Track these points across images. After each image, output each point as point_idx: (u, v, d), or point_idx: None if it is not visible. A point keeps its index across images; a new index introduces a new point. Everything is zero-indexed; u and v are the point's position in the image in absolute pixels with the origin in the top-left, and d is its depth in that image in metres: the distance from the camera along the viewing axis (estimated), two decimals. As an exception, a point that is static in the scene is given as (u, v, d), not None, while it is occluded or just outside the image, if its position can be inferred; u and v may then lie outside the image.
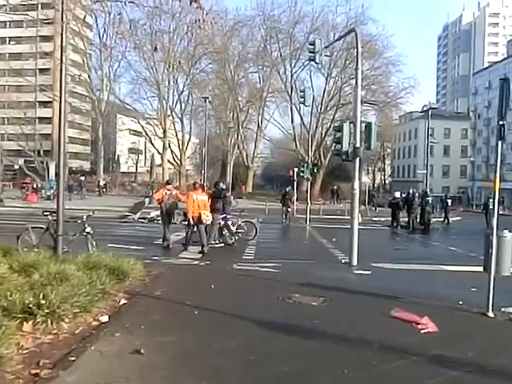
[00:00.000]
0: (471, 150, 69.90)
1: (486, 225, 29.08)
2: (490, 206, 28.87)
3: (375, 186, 73.30)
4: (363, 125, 10.99)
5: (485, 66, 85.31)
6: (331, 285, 8.39)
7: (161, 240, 13.54)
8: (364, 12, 46.60)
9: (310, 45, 16.29)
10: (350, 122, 11.03)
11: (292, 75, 48.30)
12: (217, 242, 13.76)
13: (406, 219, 23.10)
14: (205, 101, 28.72)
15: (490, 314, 6.77)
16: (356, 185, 11.10)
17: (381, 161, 78.05)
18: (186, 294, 7.14)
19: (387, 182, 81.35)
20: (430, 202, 23.60)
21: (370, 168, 77.58)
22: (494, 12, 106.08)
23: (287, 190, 26.05)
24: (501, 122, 6.84)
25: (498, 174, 6.95)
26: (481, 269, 11.80)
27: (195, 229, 12.36)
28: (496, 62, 69.37)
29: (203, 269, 9.77)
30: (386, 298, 7.50)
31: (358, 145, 10.82)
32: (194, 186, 13.22)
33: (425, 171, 58.30)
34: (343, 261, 11.90)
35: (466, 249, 15.34)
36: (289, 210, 24.37)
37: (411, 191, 25.38)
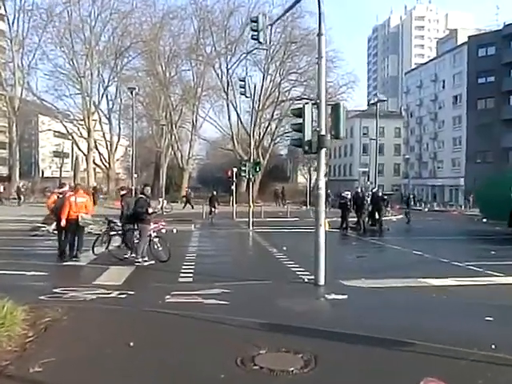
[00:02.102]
0: (404, 147, 71.04)
1: (429, 222, 28.84)
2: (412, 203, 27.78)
3: (311, 186, 72.55)
4: (329, 107, 8.65)
5: (412, 67, 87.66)
6: (305, 324, 5.97)
7: (73, 259, 11.08)
8: (300, 4, 44.99)
9: (253, 21, 13.87)
10: (314, 104, 8.66)
11: (228, 71, 45.79)
12: (146, 258, 11.00)
13: (355, 220, 21.47)
14: (131, 92, 25.38)
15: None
16: (321, 183, 8.76)
17: (317, 160, 77.43)
18: (84, 368, 4.39)
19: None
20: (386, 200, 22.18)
21: (305, 167, 76.74)
22: (420, 15, 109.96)
23: (214, 193, 27.85)
24: None
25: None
26: (469, 281, 10.16)
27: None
28: (426, 62, 71.06)
29: (121, 308, 6.89)
30: (391, 345, 5.18)
31: (323, 132, 8.47)
32: (75, 188, 12.27)
33: (366, 169, 58.23)
34: (306, 279, 9.51)
35: (432, 252, 13.71)
36: (214, 210, 26.11)
37: (360, 190, 23.82)
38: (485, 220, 27.83)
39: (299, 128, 8.68)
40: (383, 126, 68.66)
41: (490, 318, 6.55)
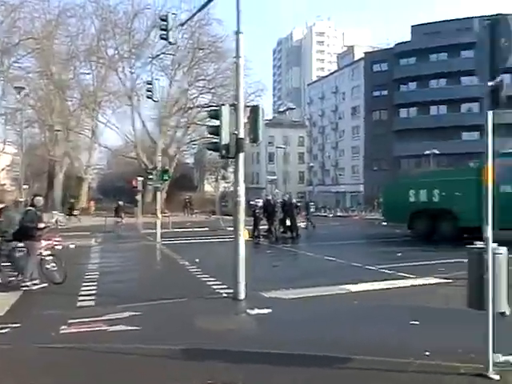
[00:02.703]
0: (308, 156, 73.57)
1: (335, 228, 29.72)
2: (312, 209, 28.53)
3: (222, 194, 72.15)
4: (248, 109, 8.15)
5: (314, 79, 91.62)
6: (231, 346, 5.36)
7: None
8: (208, 11, 44.41)
9: (162, 20, 13.18)
10: (231, 105, 8.09)
11: (132, 75, 43.79)
12: (36, 281, 9.48)
13: (266, 227, 21.32)
14: (19, 93, 22.95)
15: (493, 376, 4.47)
16: (241, 190, 8.20)
17: (224, 168, 77.39)
18: None
19: (231, 189, 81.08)
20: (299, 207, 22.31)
21: (212, 176, 76.27)
22: (320, 31, 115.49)
23: (120, 203, 26.39)
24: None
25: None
26: (385, 284, 10.22)
27: None
28: (327, 75, 74.48)
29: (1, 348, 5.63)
30: (328, 363, 4.75)
31: (241, 136, 7.94)
32: None
33: (274, 177, 59.08)
34: (224, 293, 8.88)
35: (344, 257, 13.84)
36: (120, 221, 24.91)
37: (271, 197, 23.75)
38: (385, 223, 29.36)
39: (216, 131, 8.06)
40: (287, 135, 70.93)
41: (416, 322, 6.45)
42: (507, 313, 4.72)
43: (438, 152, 41.35)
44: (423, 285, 9.39)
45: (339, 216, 45.56)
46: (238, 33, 8.03)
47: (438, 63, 51.24)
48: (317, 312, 7.40)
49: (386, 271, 11.30)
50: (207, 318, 6.94)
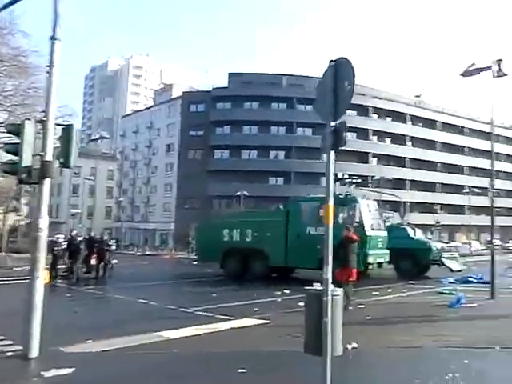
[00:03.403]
0: (117, 190, 70.42)
1: (145, 267, 28.10)
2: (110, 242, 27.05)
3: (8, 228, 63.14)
4: (60, 128, 6.89)
5: (128, 111, 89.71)
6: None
7: None
8: (12, 21, 39.39)
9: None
10: (38, 122, 6.73)
11: None
12: None
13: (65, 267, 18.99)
14: None
15: None
16: (43, 223, 6.76)
17: (16, 199, 68.39)
18: None
19: (23, 223, 71.72)
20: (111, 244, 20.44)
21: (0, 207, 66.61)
22: (137, 65, 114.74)
23: None
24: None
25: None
26: (204, 329, 9.56)
27: None
28: (143, 109, 73.51)
29: None
30: None
31: (49, 158, 6.63)
32: None
33: (78, 211, 54.32)
34: (9, 351, 7.10)
35: (157, 299, 13.00)
36: None
37: (74, 233, 21.38)
38: (195, 262, 29.27)
39: (15, 150, 6.56)
40: (96, 167, 66.83)
41: (244, 370, 5.97)
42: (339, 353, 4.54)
43: (247, 194, 43.79)
44: (243, 327, 9.09)
45: (148, 254, 44.14)
46: (53, 38, 6.80)
47: (251, 111, 55.43)
48: (130, 368, 6.34)
49: (203, 313, 10.78)
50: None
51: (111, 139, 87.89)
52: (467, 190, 53.93)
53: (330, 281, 4.43)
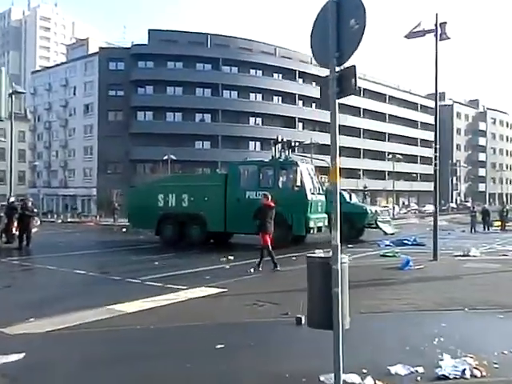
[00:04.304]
0: (31, 154, 65.22)
1: (70, 235, 26.18)
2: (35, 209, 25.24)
3: None
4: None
5: (37, 68, 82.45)
6: None
7: None
8: None
9: None
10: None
11: None
12: None
13: None
14: None
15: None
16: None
17: None
18: None
19: None
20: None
21: None
22: (46, 16, 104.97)
23: None
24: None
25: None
26: (161, 300, 8.84)
27: None
28: (56, 65, 67.78)
29: None
30: None
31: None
32: None
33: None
34: None
35: (96, 269, 12.42)
36: None
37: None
38: (124, 230, 28.01)
39: None
40: (4, 128, 61.13)
41: (222, 346, 5.48)
42: (347, 326, 4.19)
43: (174, 158, 42.40)
44: (203, 297, 8.54)
45: (70, 222, 41.63)
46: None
47: (175, 71, 53.05)
48: (91, 349, 5.59)
49: (152, 283, 10.09)
50: None
51: (20, 97, 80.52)
52: (389, 157, 56.59)
53: (339, 247, 4.01)
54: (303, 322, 6.43)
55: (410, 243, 18.27)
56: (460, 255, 13.93)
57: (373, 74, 71.35)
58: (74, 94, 58.34)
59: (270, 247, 11.82)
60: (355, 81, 3.94)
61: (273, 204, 12.23)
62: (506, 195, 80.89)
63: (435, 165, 13.44)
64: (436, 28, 12.98)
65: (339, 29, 4.03)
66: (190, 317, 7.03)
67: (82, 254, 16.24)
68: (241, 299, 8.20)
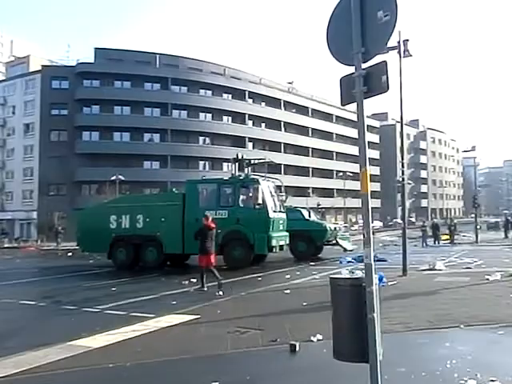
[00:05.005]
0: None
1: (10, 261, 23.85)
2: None
3: None
4: None
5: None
6: None
7: None
8: None
9: None
10: None
11: None
12: None
13: None
14: None
15: None
16: None
17: None
18: None
19: None
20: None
21: None
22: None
23: None
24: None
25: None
26: (129, 332, 7.88)
27: None
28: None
29: None
30: None
31: None
32: None
33: None
34: None
35: (47, 299, 11.22)
36: None
37: None
38: (70, 254, 26.35)
39: None
40: None
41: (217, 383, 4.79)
42: (380, 357, 3.66)
43: (123, 178, 40.82)
44: (176, 325, 7.72)
45: (8, 247, 38.81)
46: None
47: (123, 90, 51.58)
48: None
49: (115, 312, 9.17)
50: None
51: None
52: (340, 174, 57.57)
53: (373, 267, 3.49)
54: (297, 348, 5.87)
55: (372, 259, 18.17)
56: (427, 269, 13.90)
57: (320, 94, 73.21)
58: (13, 113, 55.18)
59: (212, 268, 11.81)
60: (387, 78, 3.49)
61: (213, 225, 12.22)
62: (447, 210, 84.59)
63: (402, 179, 13.38)
64: (399, 45, 13.09)
65: (364, 22, 3.60)
66: (168, 350, 6.24)
67: (26, 282, 14.83)
68: (219, 326, 7.48)
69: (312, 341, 6.26)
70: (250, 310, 8.76)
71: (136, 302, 10.41)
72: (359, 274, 3.63)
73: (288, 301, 9.64)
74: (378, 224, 66.38)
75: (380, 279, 11.04)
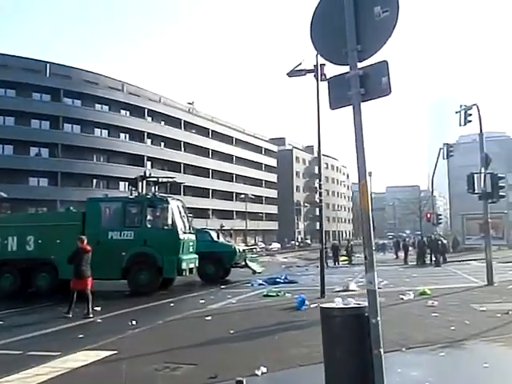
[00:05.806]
0: None
1: None
2: None
3: None
4: None
5: None
6: None
7: None
8: None
9: None
10: None
11: None
12: None
13: None
14: None
15: None
16: None
17: None
18: None
19: None
20: None
21: None
22: None
23: None
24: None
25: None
26: (34, 374, 6.41)
27: None
28: None
29: None
30: None
31: None
32: None
33: None
34: None
35: None
36: None
37: None
38: None
39: None
40: None
41: None
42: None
43: (5, 196, 36.61)
44: (91, 364, 6.56)
45: None
46: None
47: (6, 99, 46.90)
48: None
49: (8, 352, 7.74)
50: None
51: None
52: (242, 196, 57.83)
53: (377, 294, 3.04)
54: (245, 386, 5.20)
55: (282, 281, 18.03)
56: (341, 290, 13.98)
57: (221, 116, 73.73)
58: None
59: (89, 292, 11.47)
60: (389, 80, 3.10)
61: (89, 248, 11.84)
62: (339, 232, 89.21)
63: (320, 201, 13.39)
64: (316, 68, 13.26)
65: (358, 17, 3.21)
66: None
67: None
68: (143, 362, 6.52)
69: (257, 375, 5.64)
70: (174, 341, 7.87)
71: (33, 337, 8.96)
72: (352, 302, 3.15)
73: (212, 329, 8.88)
74: (276, 245, 67.72)
75: (302, 302, 10.81)
